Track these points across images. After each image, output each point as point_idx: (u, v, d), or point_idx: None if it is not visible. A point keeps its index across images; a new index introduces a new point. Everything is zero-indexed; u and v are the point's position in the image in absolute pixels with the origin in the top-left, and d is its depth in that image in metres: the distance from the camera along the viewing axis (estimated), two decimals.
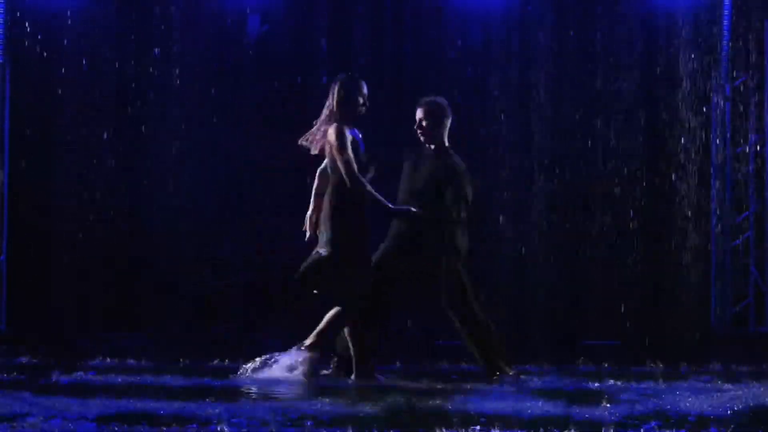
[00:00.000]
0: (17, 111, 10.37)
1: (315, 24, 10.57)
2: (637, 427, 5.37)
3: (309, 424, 5.35)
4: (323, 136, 7.29)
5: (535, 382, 7.43)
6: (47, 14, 10.35)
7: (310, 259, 7.31)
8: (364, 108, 7.45)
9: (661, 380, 7.42)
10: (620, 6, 10.50)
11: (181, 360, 8.51)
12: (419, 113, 7.48)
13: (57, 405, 5.87)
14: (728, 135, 10.53)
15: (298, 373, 7.08)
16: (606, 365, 8.16)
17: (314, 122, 7.47)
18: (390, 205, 7.28)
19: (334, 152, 7.17)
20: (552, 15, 10.55)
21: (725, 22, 10.43)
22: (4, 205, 10.42)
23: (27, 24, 10.34)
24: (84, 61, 10.37)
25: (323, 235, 7.27)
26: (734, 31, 10.45)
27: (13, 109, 10.38)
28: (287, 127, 10.43)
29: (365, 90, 7.44)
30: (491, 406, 6.03)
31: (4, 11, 10.33)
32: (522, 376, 7.51)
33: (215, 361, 8.52)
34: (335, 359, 7.50)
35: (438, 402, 6.20)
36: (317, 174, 7.48)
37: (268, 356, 7.20)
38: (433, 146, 7.47)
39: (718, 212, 10.53)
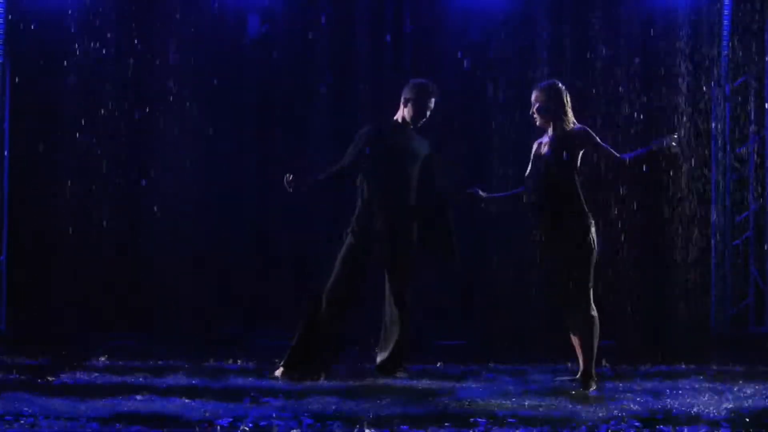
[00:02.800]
0: (17, 111, 10.37)
1: (315, 24, 10.57)
2: (637, 428, 5.37)
3: (307, 422, 5.35)
4: None
5: (539, 381, 7.43)
6: (47, 14, 10.35)
7: None
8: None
9: (661, 380, 7.41)
10: (620, 6, 10.50)
11: (181, 360, 8.51)
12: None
13: (57, 405, 5.87)
14: (728, 135, 10.54)
15: None
16: (605, 365, 8.16)
17: None
18: None
19: None
20: (551, 15, 10.55)
21: (725, 22, 10.44)
22: (4, 205, 10.42)
23: (27, 24, 10.34)
24: (84, 61, 10.36)
25: None
26: (734, 31, 10.45)
27: (13, 109, 10.38)
28: (288, 127, 10.49)
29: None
30: (492, 404, 6.03)
31: (4, 11, 10.33)
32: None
33: (215, 361, 8.52)
34: None
35: (438, 401, 6.21)
36: None
37: None
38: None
39: (718, 212, 10.53)
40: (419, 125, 7.74)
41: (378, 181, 7.54)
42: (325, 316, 7.44)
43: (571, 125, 7.25)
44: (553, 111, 7.24)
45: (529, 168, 7.40)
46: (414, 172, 7.62)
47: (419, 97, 7.68)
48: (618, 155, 7.21)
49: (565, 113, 7.24)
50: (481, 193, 7.55)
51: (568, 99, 7.28)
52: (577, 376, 7.10)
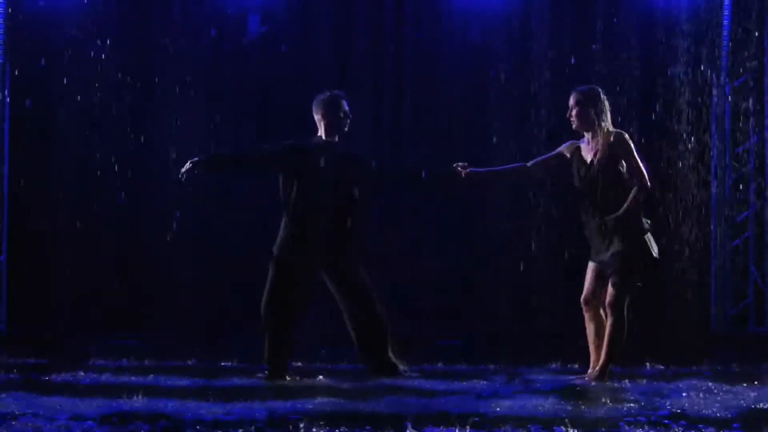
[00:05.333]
0: (17, 111, 10.37)
1: (315, 24, 10.57)
2: (637, 428, 5.37)
3: (308, 422, 5.35)
4: None
5: (539, 381, 7.43)
6: (47, 14, 10.35)
7: None
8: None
9: (661, 380, 7.41)
10: (620, 6, 10.50)
11: (181, 360, 8.51)
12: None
13: (57, 405, 5.87)
14: (728, 135, 10.54)
15: None
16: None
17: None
18: None
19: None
20: (551, 16, 10.55)
21: (725, 22, 10.43)
22: (4, 205, 10.42)
23: (27, 24, 10.34)
24: (84, 61, 10.37)
25: None
26: (734, 31, 10.45)
27: (13, 109, 10.38)
28: (288, 127, 10.48)
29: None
30: (492, 405, 6.03)
31: (4, 11, 10.33)
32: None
33: (216, 362, 8.52)
34: None
35: (438, 401, 6.21)
36: None
37: None
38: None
39: (718, 212, 10.53)
40: (341, 137, 7.62)
41: (304, 206, 7.50)
42: (273, 325, 7.52)
43: (610, 129, 7.31)
44: (589, 115, 7.28)
45: (543, 157, 7.45)
46: (341, 193, 7.54)
47: (327, 111, 7.61)
48: (641, 183, 7.26)
49: (603, 118, 7.28)
50: (464, 169, 7.53)
51: (607, 104, 7.33)
52: (591, 372, 7.33)
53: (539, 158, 7.59)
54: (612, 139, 7.29)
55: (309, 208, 7.48)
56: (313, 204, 7.48)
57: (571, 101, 7.39)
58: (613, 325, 7.29)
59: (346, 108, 7.63)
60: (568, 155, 7.45)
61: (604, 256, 7.30)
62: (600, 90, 7.41)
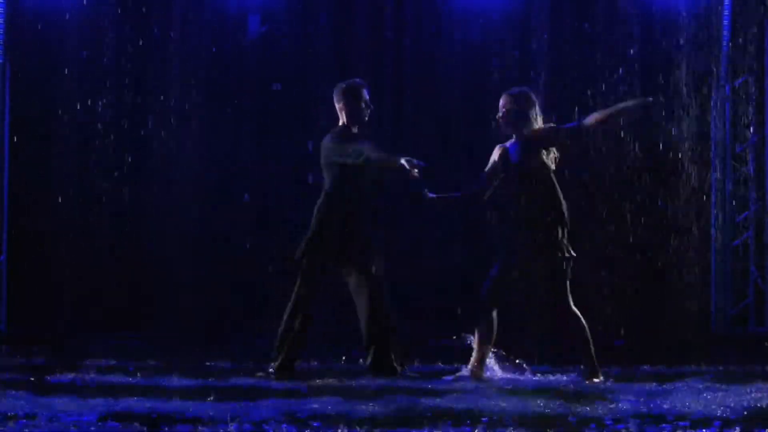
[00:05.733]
0: (17, 111, 10.38)
1: (315, 24, 10.58)
2: (637, 428, 5.37)
3: (309, 422, 5.36)
4: None
5: (537, 381, 7.43)
6: (47, 14, 10.36)
7: None
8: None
9: (661, 380, 7.41)
10: (620, 6, 10.50)
11: (181, 360, 8.51)
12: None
13: (57, 405, 5.87)
14: (728, 135, 10.54)
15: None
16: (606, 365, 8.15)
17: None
18: None
19: None
20: (551, 16, 10.56)
21: (725, 22, 10.44)
22: (4, 204, 10.42)
23: (27, 24, 10.34)
24: (84, 61, 10.37)
25: None
26: (734, 31, 10.45)
27: (13, 109, 10.38)
28: (287, 127, 10.49)
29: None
30: (491, 404, 6.03)
31: (4, 11, 10.33)
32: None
33: (215, 361, 8.52)
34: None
35: (438, 401, 6.21)
36: None
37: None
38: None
39: (718, 212, 10.53)
40: (360, 126, 7.59)
41: (323, 200, 7.51)
42: (299, 324, 7.50)
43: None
44: (515, 117, 7.26)
45: (487, 168, 7.46)
46: (363, 178, 7.53)
47: (348, 100, 7.56)
48: (573, 123, 7.31)
49: (530, 120, 7.26)
50: (428, 194, 7.48)
51: (537, 108, 7.31)
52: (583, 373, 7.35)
53: (483, 177, 7.51)
54: (533, 134, 7.27)
55: (324, 202, 7.49)
56: (327, 198, 7.49)
57: (500, 104, 7.38)
58: (578, 326, 7.29)
59: (367, 97, 7.59)
60: (497, 159, 7.43)
61: (522, 254, 7.31)
62: (530, 93, 7.39)
